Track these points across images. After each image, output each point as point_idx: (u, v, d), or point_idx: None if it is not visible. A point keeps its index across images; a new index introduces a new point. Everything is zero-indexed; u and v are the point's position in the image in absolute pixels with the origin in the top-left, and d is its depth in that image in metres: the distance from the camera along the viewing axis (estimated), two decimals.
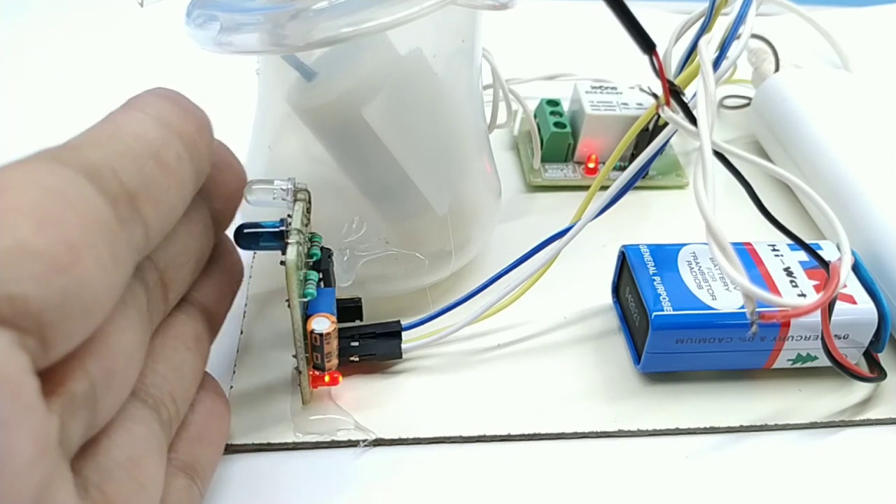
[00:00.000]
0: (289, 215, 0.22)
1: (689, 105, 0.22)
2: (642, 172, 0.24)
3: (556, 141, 0.33)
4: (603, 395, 0.25)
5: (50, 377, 0.14)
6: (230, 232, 0.22)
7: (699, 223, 0.20)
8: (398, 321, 0.25)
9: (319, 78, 0.23)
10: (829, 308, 0.22)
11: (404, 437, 0.23)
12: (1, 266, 0.13)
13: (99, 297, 0.15)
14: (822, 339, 0.23)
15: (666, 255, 0.26)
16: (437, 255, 0.26)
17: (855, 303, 0.24)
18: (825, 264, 0.23)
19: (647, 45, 0.20)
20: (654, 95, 0.23)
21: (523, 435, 0.24)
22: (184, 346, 0.20)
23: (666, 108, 0.22)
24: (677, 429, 0.24)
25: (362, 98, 0.23)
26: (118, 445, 0.17)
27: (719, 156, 0.23)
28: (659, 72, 0.21)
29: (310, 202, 0.23)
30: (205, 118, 0.19)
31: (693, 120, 0.21)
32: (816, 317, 0.22)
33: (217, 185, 0.20)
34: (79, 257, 0.14)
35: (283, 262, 0.20)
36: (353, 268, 0.25)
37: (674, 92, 0.22)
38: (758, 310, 0.20)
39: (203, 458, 0.20)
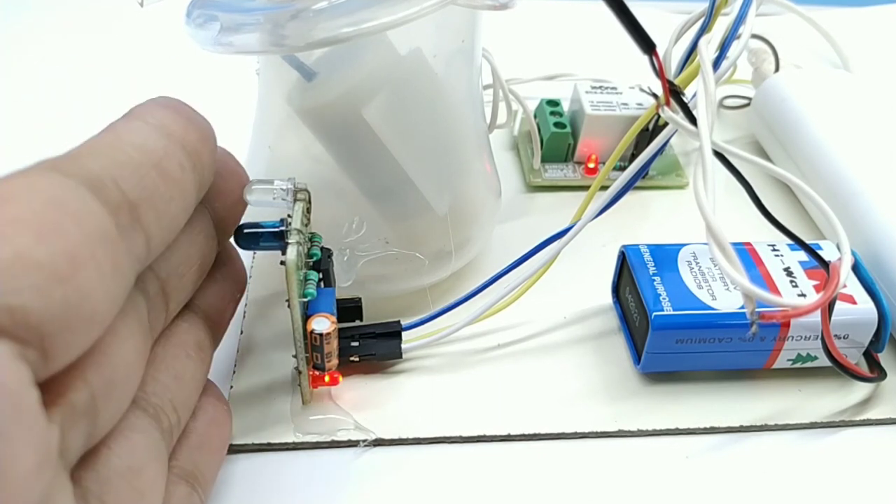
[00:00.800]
0: (289, 215, 0.22)
1: (689, 105, 0.22)
2: (642, 172, 0.24)
3: (556, 141, 0.33)
4: (603, 395, 0.25)
5: (50, 388, 0.14)
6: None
7: (699, 223, 0.20)
8: (398, 321, 0.25)
9: (319, 78, 0.23)
10: (829, 308, 0.22)
11: (404, 437, 0.23)
12: (1, 277, 0.13)
13: (99, 308, 0.15)
14: (822, 339, 0.23)
15: (666, 255, 0.26)
16: (437, 255, 0.26)
17: (855, 303, 0.24)
18: (825, 264, 0.23)
19: (647, 45, 0.20)
20: (654, 95, 0.23)
21: (523, 435, 0.24)
22: (185, 354, 0.20)
23: (666, 108, 0.22)
24: (677, 429, 0.24)
25: (362, 98, 0.23)
26: (118, 455, 0.17)
27: (719, 156, 0.23)
28: (659, 72, 0.21)
29: (310, 202, 0.23)
30: (208, 127, 0.19)
31: (693, 120, 0.21)
32: (816, 317, 0.22)
33: (220, 194, 0.20)
34: (79, 268, 0.14)
35: (283, 262, 0.20)
36: (353, 268, 0.25)
37: (674, 92, 0.22)
38: (758, 310, 0.20)
39: (204, 466, 0.20)
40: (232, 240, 0.22)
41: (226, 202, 0.21)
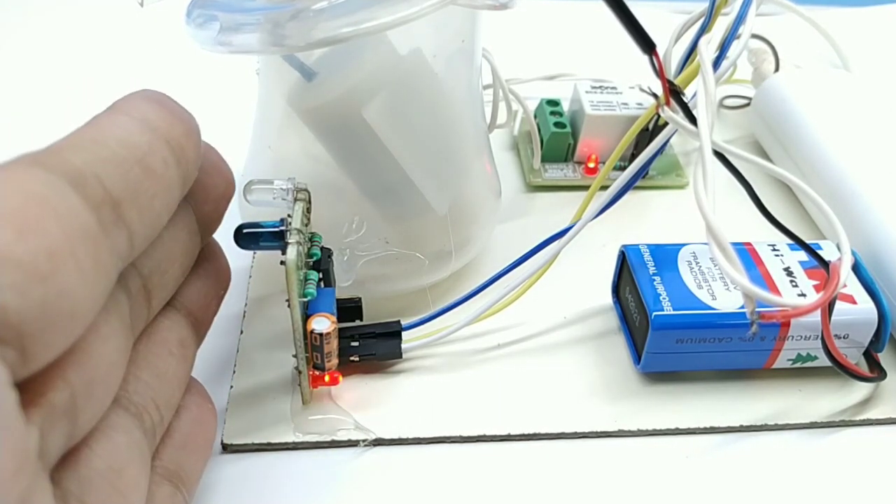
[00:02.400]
0: (289, 215, 0.22)
1: (689, 105, 0.22)
2: (642, 172, 0.24)
3: (556, 141, 0.33)
4: (603, 395, 0.25)
5: (29, 387, 0.14)
6: (229, 232, 0.22)
7: (699, 223, 0.20)
8: (398, 321, 0.25)
9: (319, 78, 0.23)
10: (829, 308, 0.22)
11: (404, 437, 0.23)
12: None
13: (80, 307, 0.14)
14: (822, 339, 0.23)
15: (666, 255, 0.26)
16: (437, 255, 0.26)
17: (855, 303, 0.24)
18: (825, 264, 0.23)
19: (647, 45, 0.20)
20: (654, 95, 0.23)
21: (523, 435, 0.24)
22: (167, 352, 0.20)
23: (666, 108, 0.22)
24: (677, 429, 0.24)
25: (362, 98, 0.23)
26: (99, 455, 0.16)
27: (719, 156, 0.23)
28: (659, 72, 0.21)
29: (310, 202, 0.23)
30: (192, 122, 0.18)
31: (693, 120, 0.21)
32: (816, 317, 0.22)
33: (204, 190, 0.20)
34: (60, 266, 0.14)
35: (283, 262, 0.20)
36: (353, 268, 0.25)
37: (674, 92, 0.22)
38: (758, 310, 0.20)
39: (188, 465, 0.20)
40: (232, 238, 0.22)
41: (210, 198, 0.20)
